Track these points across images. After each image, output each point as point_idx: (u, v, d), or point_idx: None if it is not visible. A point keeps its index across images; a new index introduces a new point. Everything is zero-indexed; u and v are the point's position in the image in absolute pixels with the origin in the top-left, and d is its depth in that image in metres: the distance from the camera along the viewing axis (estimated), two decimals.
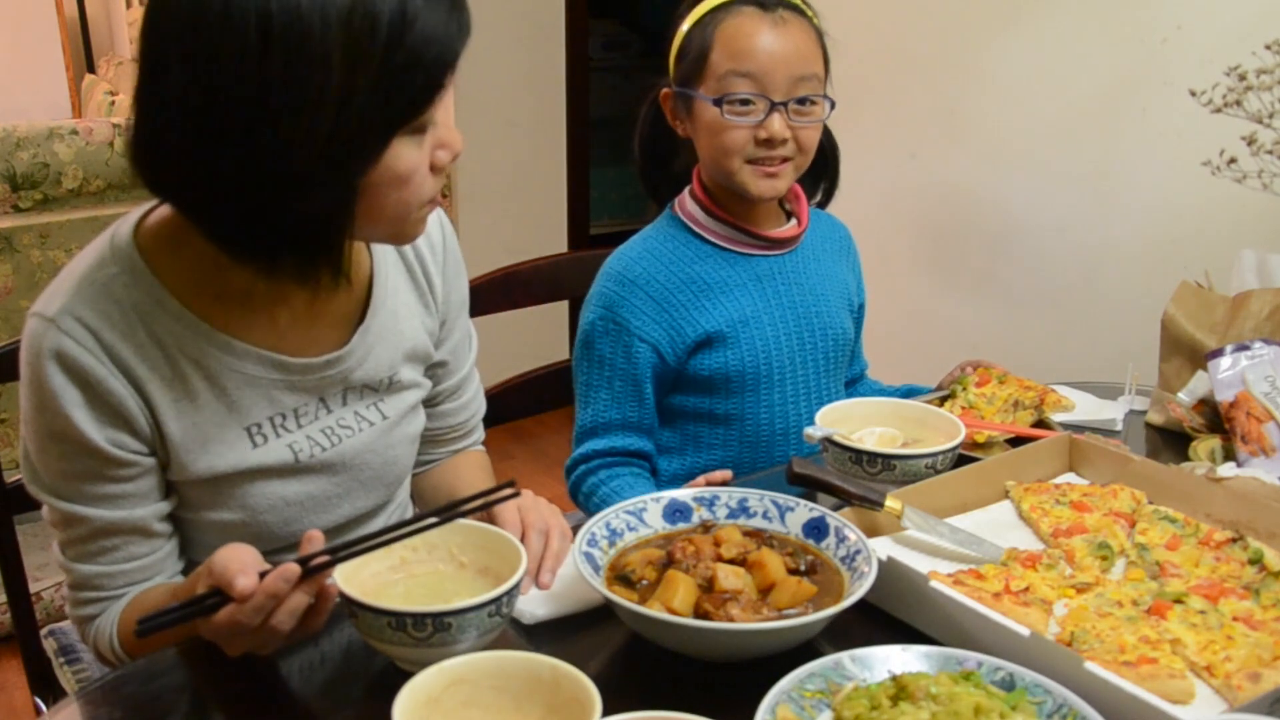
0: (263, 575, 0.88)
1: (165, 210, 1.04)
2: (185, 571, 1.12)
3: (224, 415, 1.06)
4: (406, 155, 0.95)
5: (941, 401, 1.44)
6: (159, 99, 0.91)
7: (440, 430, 1.33)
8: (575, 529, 1.05)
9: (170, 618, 0.89)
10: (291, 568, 0.88)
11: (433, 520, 0.96)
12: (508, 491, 0.99)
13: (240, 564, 0.88)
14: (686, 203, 1.47)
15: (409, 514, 1.35)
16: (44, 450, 1.02)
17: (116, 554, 1.06)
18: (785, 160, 1.37)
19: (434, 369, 1.27)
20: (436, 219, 1.24)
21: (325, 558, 0.90)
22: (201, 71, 0.88)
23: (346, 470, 1.16)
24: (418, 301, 1.21)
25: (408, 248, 1.20)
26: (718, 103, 1.34)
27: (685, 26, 1.40)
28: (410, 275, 1.21)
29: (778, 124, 1.34)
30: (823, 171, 1.53)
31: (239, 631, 0.90)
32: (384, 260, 1.17)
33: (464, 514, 0.98)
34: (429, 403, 1.28)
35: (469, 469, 1.36)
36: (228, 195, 0.93)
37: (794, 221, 1.49)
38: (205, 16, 0.87)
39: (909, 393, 1.57)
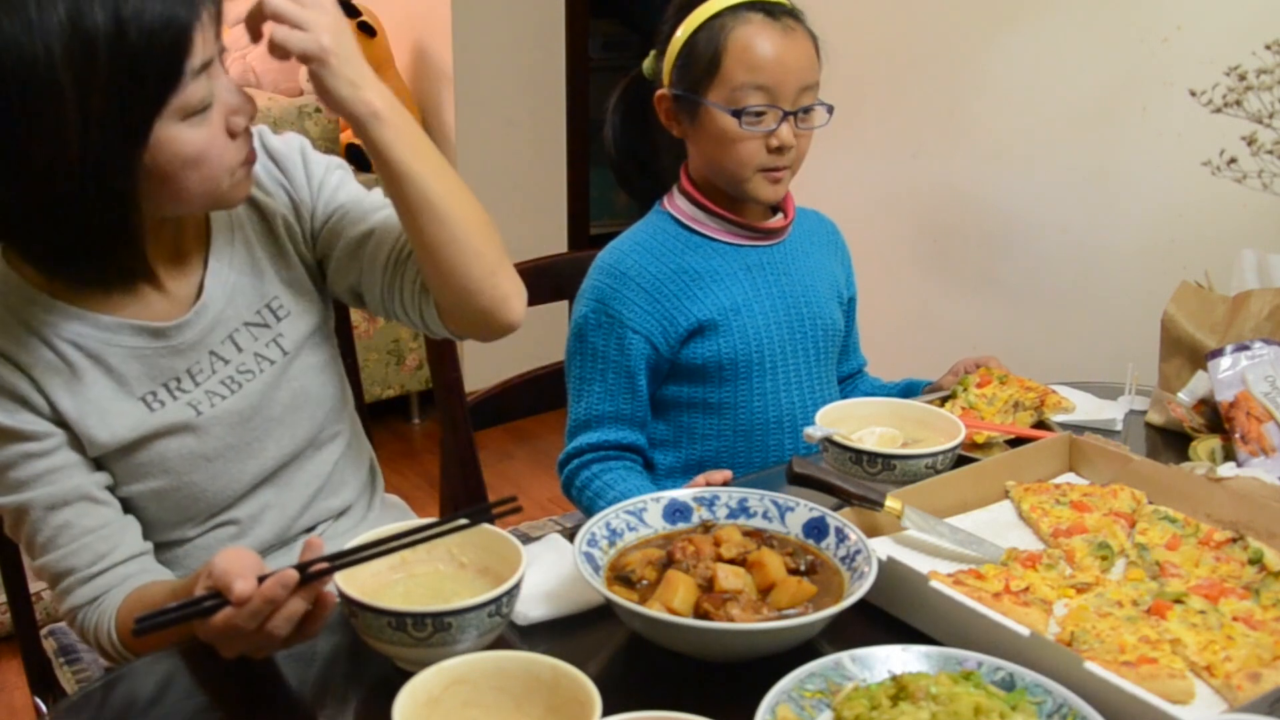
0: (262, 580, 0.88)
1: None
2: (159, 552, 1.15)
3: (114, 389, 1.10)
4: (188, 138, 0.99)
5: (942, 402, 1.44)
6: None
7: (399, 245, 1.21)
8: (574, 530, 1.05)
9: (168, 617, 0.89)
10: (290, 574, 0.89)
11: (431, 533, 0.96)
12: (511, 505, 0.99)
13: (240, 568, 0.89)
14: (676, 198, 1.49)
15: (366, 452, 1.35)
16: None
17: (72, 530, 1.08)
18: (786, 167, 1.40)
19: (339, 234, 1.21)
20: (257, 141, 1.19)
21: (324, 565, 0.90)
22: None
23: (256, 413, 1.17)
24: (270, 241, 1.20)
25: (254, 194, 1.19)
26: (736, 114, 1.36)
27: (684, 31, 1.40)
28: (259, 212, 1.20)
29: (786, 132, 1.37)
30: None
31: (235, 635, 0.90)
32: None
33: (462, 528, 0.97)
34: (369, 253, 1.20)
35: None
36: (15, 222, 0.98)
37: (780, 215, 1.51)
38: None
39: (908, 387, 1.58)
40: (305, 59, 1.01)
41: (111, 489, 1.12)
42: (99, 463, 1.11)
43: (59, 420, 1.08)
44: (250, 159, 1.08)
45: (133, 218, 1.01)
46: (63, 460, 1.08)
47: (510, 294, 1.15)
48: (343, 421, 1.29)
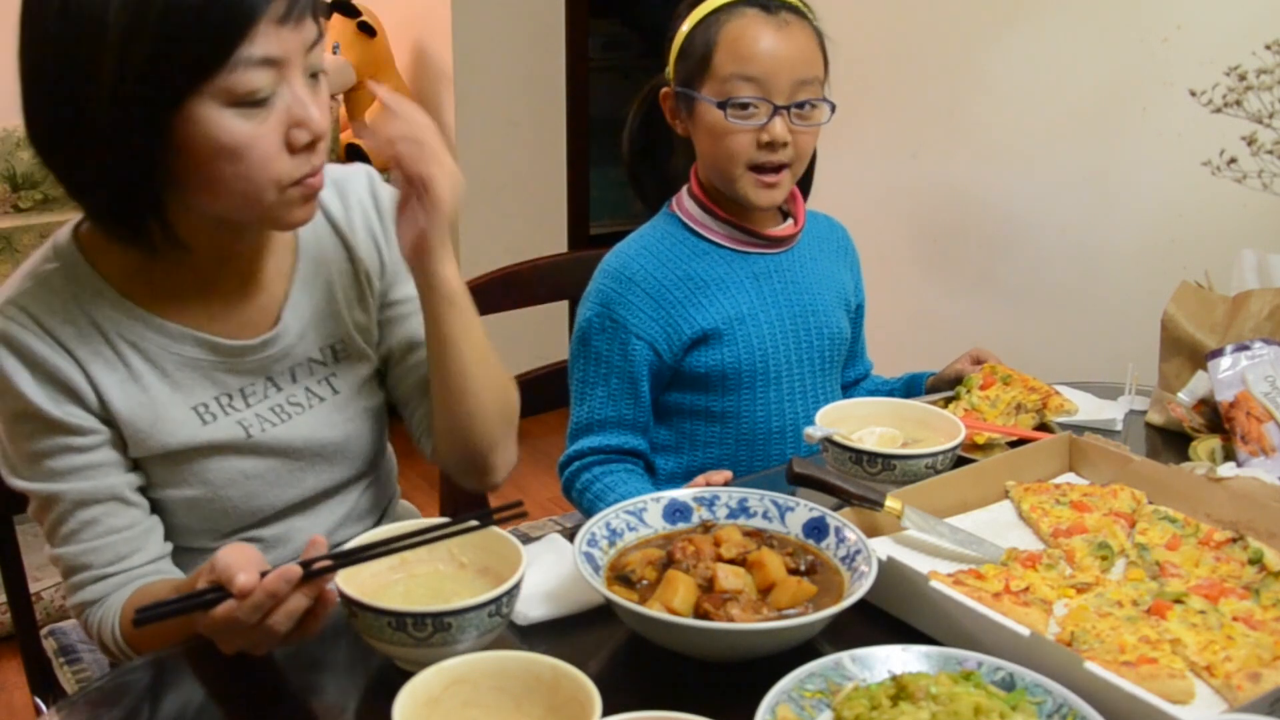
0: (265, 575, 0.88)
1: None
2: (175, 556, 1.14)
3: (169, 395, 1.10)
4: (230, 126, 0.96)
5: (945, 403, 1.44)
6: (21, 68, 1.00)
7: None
8: (574, 530, 1.05)
9: (168, 609, 0.89)
10: (293, 569, 0.88)
11: (436, 534, 0.96)
12: (516, 510, 0.99)
13: (243, 562, 0.89)
14: (684, 201, 1.47)
15: (392, 487, 1.36)
16: (12, 436, 1.07)
17: (98, 527, 1.08)
18: (783, 167, 1.38)
19: (399, 322, 1.25)
20: (367, 185, 1.22)
21: (327, 562, 0.90)
22: (23, 37, 0.98)
23: (304, 445, 1.18)
24: (353, 284, 1.21)
25: (348, 236, 1.20)
26: (722, 106, 1.35)
27: (686, 27, 1.40)
28: (349, 254, 1.21)
29: (779, 127, 1.35)
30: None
31: (236, 629, 0.90)
32: (314, 237, 1.19)
33: (466, 530, 0.97)
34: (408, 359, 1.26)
35: None
36: (59, 153, 1.00)
37: (790, 221, 1.49)
38: None
39: (910, 380, 1.57)
40: (435, 204, 1.05)
41: (144, 489, 1.12)
42: (138, 463, 1.11)
43: (106, 418, 1.07)
44: (311, 185, 1.03)
45: (155, 185, 0.99)
46: (101, 458, 1.08)
47: (499, 466, 1.23)
48: (384, 462, 1.31)
